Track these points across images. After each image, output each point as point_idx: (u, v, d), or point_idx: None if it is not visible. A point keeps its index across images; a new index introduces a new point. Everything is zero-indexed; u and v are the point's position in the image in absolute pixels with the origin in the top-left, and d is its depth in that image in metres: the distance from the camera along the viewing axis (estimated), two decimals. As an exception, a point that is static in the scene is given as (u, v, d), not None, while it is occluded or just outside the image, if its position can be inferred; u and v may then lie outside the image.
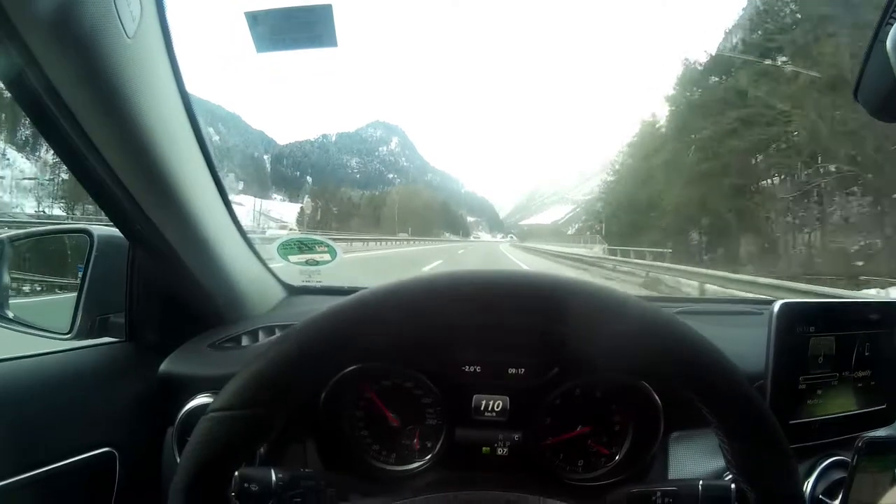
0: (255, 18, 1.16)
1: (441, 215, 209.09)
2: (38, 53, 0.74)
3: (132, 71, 0.86)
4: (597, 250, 37.61)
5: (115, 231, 1.19)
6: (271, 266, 1.63)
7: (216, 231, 1.24)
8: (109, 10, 0.77)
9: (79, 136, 0.87)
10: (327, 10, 1.16)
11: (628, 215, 45.87)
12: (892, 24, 0.68)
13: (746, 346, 1.12)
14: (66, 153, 0.91)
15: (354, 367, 1.12)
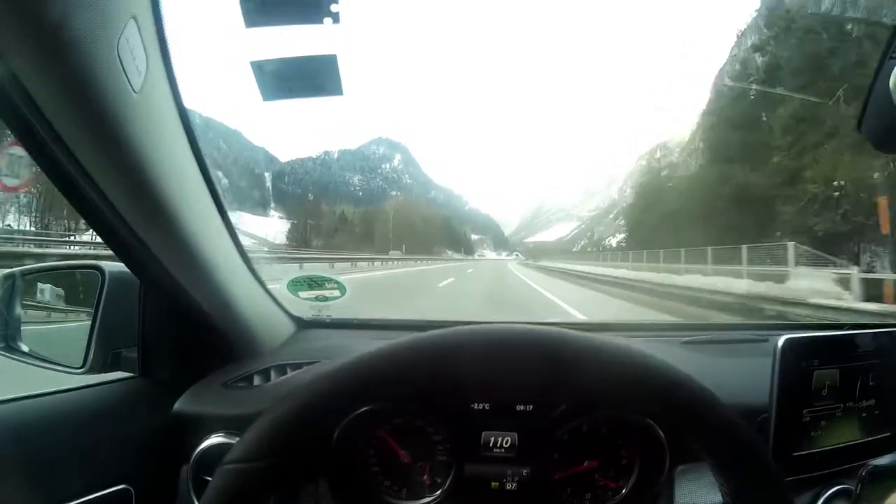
0: (260, 68, 1.18)
1: (443, 232, 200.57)
2: (45, 109, 0.76)
3: (139, 124, 0.87)
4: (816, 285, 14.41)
5: (126, 267, 1.19)
6: (280, 299, 1.65)
7: (226, 270, 1.25)
8: (115, 68, 0.78)
9: (89, 185, 0.89)
10: (332, 60, 1.18)
11: (730, 209, 30.97)
12: (894, 59, 0.70)
13: (751, 378, 1.15)
14: (77, 201, 0.93)
15: (366, 408, 1.11)
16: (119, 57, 0.78)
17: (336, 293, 1.83)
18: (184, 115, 1.01)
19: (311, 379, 0.66)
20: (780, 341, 1.06)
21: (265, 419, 0.63)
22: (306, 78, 1.20)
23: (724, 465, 0.67)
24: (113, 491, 1.12)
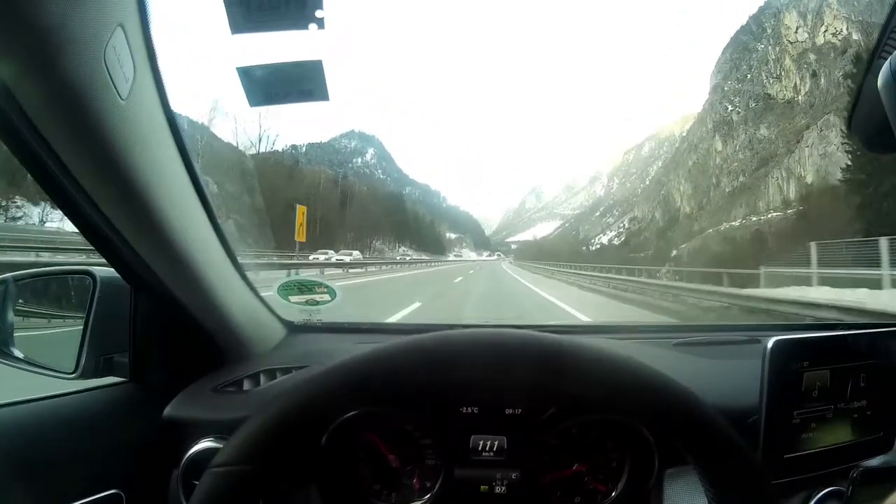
0: (246, 74, 1.19)
1: (383, 217, 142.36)
2: (33, 117, 0.77)
3: (126, 131, 0.88)
4: None
5: (116, 273, 1.21)
6: (271, 303, 1.65)
7: (216, 275, 1.26)
8: (101, 75, 0.79)
9: (78, 192, 0.90)
10: (317, 65, 1.19)
11: None
12: (883, 59, 0.69)
13: (742, 379, 1.17)
14: (68, 208, 0.94)
15: (355, 412, 1.12)
16: (106, 64, 0.78)
17: (326, 297, 1.84)
18: (172, 121, 1.01)
19: (299, 383, 0.67)
20: (770, 343, 1.07)
21: (252, 423, 0.64)
22: (292, 83, 1.21)
23: (707, 465, 0.67)
24: (104, 496, 1.13)
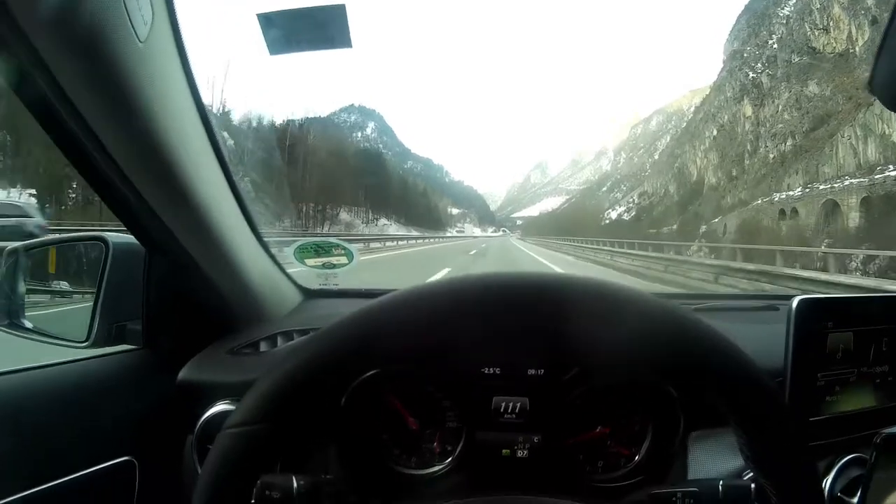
0: (267, 20, 1.16)
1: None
2: (47, 58, 0.75)
3: (144, 75, 0.86)
4: None
5: (129, 238, 1.20)
6: (288, 269, 1.64)
7: (232, 235, 1.24)
8: (121, 15, 0.77)
9: (92, 142, 0.88)
10: (340, 10, 1.16)
11: None
12: None
13: (764, 343, 1.13)
14: (80, 161, 0.92)
15: (374, 371, 1.10)
16: (125, 5, 0.77)
17: (343, 259, 1.83)
18: (188, 69, 1.00)
19: (310, 337, 0.64)
20: (795, 301, 1.06)
21: (264, 380, 0.61)
22: (314, 30, 1.18)
23: (748, 421, 0.65)
24: (117, 462, 1.13)
